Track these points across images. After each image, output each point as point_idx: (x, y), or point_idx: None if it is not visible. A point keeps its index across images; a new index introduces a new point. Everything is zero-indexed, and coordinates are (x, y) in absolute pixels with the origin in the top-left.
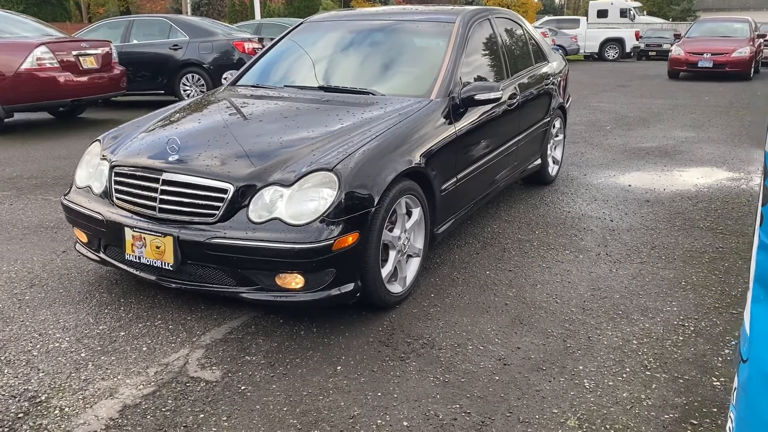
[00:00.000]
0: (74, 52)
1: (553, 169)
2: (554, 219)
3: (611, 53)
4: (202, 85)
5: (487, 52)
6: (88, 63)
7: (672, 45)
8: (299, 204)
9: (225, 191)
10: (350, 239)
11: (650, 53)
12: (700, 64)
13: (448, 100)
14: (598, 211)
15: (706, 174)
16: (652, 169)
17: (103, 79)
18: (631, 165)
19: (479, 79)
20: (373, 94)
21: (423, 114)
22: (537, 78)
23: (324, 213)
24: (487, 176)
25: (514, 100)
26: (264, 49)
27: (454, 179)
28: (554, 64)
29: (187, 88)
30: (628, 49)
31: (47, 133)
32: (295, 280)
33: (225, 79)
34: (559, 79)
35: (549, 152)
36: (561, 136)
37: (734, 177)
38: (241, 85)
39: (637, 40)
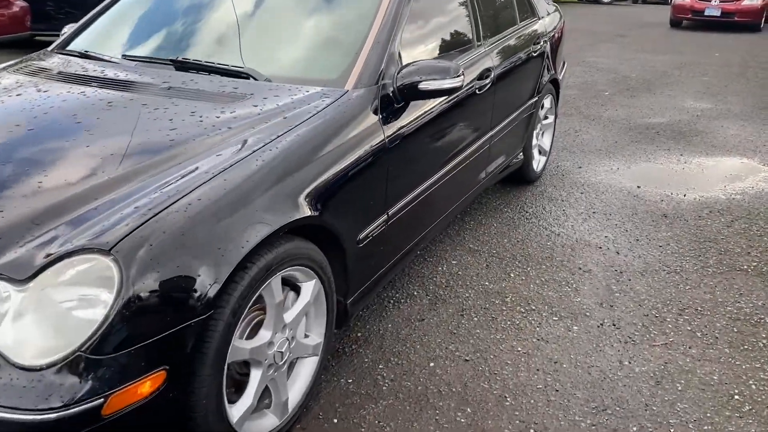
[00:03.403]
0: None
1: (539, 162)
2: (538, 249)
3: None
4: None
5: (446, 11)
6: None
7: None
8: (39, 322)
9: None
10: (147, 387)
11: None
12: (706, 12)
13: (375, 90)
14: (598, 233)
15: (736, 169)
16: (665, 160)
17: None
18: (638, 153)
19: (432, 54)
20: (250, 78)
21: (329, 116)
22: (522, 44)
23: (86, 343)
24: (442, 199)
25: (487, 81)
26: None
27: (383, 218)
28: (546, 20)
29: None
30: None
31: None
32: None
33: (63, 34)
34: (553, 41)
35: (535, 141)
36: (551, 118)
37: None
38: (67, 52)
39: None
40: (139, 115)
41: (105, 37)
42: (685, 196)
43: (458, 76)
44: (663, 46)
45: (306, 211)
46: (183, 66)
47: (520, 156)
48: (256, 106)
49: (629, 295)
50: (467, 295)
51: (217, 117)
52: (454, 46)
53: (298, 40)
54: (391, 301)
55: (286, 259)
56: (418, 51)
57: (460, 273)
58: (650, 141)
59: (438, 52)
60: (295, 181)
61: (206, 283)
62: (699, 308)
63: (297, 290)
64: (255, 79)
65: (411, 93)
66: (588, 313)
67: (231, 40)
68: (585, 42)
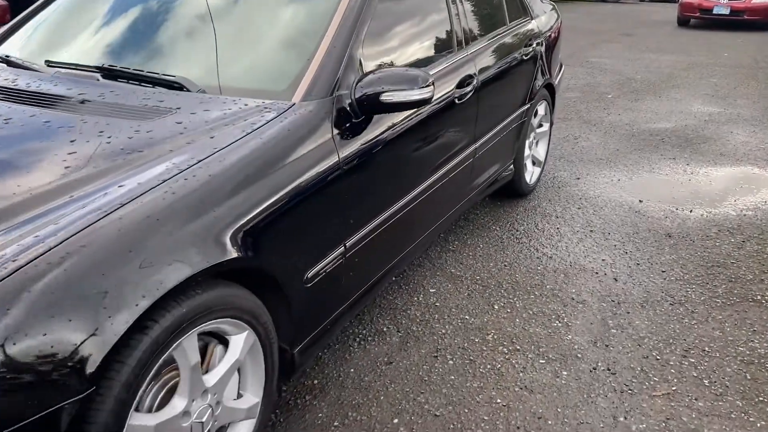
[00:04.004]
0: None
1: (531, 174)
2: (527, 274)
3: None
4: None
5: (421, 11)
6: None
7: None
8: None
9: None
10: None
11: None
12: (715, 11)
13: (329, 103)
14: (595, 255)
15: (747, 181)
16: (670, 169)
17: None
18: (641, 161)
19: (403, 61)
20: (181, 89)
21: (268, 135)
22: (511, 46)
23: None
24: (415, 224)
25: (469, 88)
26: None
27: (340, 250)
28: (542, 19)
29: None
30: None
31: None
32: None
33: None
34: (548, 42)
35: (527, 152)
36: (546, 126)
37: None
38: None
39: None
40: (35, 136)
41: (30, 40)
42: (691, 212)
43: (427, 86)
44: (669, 45)
45: (230, 253)
46: (111, 74)
47: (511, 168)
48: (179, 123)
49: (627, 332)
50: (444, 331)
51: (129, 138)
52: (430, 50)
53: (242, 45)
54: (357, 339)
55: (204, 313)
56: (386, 57)
57: (437, 304)
58: (654, 149)
59: (411, 58)
60: (215, 216)
61: (85, 353)
62: (706, 348)
63: (227, 342)
64: (188, 90)
65: (371, 106)
66: (580, 354)
67: (167, 46)
68: (588, 41)
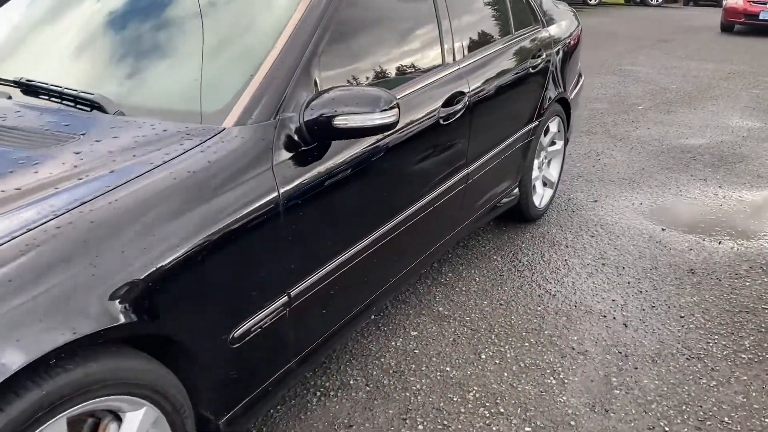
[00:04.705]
0: None
1: (541, 197)
2: (524, 316)
3: None
4: None
5: (401, 20)
6: None
7: None
8: None
9: None
10: None
11: None
12: (761, 16)
13: (271, 129)
14: (605, 294)
15: None
16: (699, 193)
17: None
18: (668, 183)
19: (377, 78)
20: (100, 109)
21: (183, 168)
22: (516, 58)
23: None
24: (388, 263)
25: (459, 106)
26: None
27: (282, 300)
28: (557, 28)
29: None
30: None
31: None
32: None
33: None
34: (562, 53)
35: (535, 173)
36: (559, 144)
37: None
38: None
39: None
40: None
41: None
42: (720, 243)
43: (390, 108)
44: (710, 53)
45: (114, 319)
46: (29, 89)
47: (515, 192)
48: (77, 153)
49: (633, 394)
50: (419, 386)
51: (10, 171)
52: (411, 65)
53: (177, 59)
54: (318, 393)
55: (76, 394)
56: (351, 74)
57: (417, 351)
58: (684, 168)
59: (385, 74)
60: (93, 275)
61: None
62: (726, 419)
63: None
64: (105, 110)
65: (323, 131)
66: (573, 422)
67: (95, 59)
68: (625, 48)
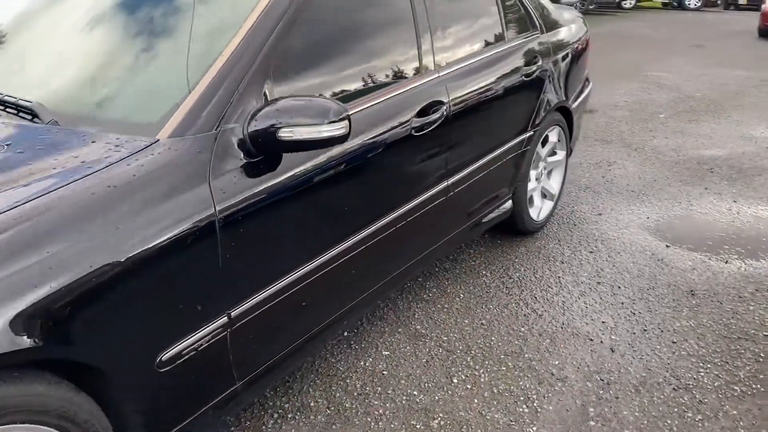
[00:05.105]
0: None
1: (539, 210)
2: (505, 338)
3: (693, 1)
4: None
5: (370, 24)
6: None
7: None
8: None
9: None
10: None
11: (740, 2)
12: None
13: (210, 140)
14: (595, 315)
15: None
16: (712, 207)
17: None
18: (679, 196)
19: (342, 88)
20: (34, 116)
21: (101, 184)
22: (505, 67)
23: None
24: (343, 284)
25: (436, 115)
26: None
27: (221, 321)
28: (554, 36)
29: None
30: None
31: None
32: None
33: None
34: (565, 60)
35: (532, 185)
36: (561, 154)
37: None
38: None
39: None
40: None
41: None
42: (726, 263)
43: (341, 120)
44: (744, 59)
45: (15, 342)
46: None
47: (507, 206)
48: None
49: (610, 426)
50: (382, 411)
51: None
52: (381, 73)
53: (122, 65)
54: (275, 415)
55: None
56: (311, 82)
57: (385, 373)
58: (699, 180)
59: (353, 84)
60: None
61: None
62: None
63: None
64: (39, 119)
65: (268, 144)
66: None
67: (36, 65)
68: (654, 54)
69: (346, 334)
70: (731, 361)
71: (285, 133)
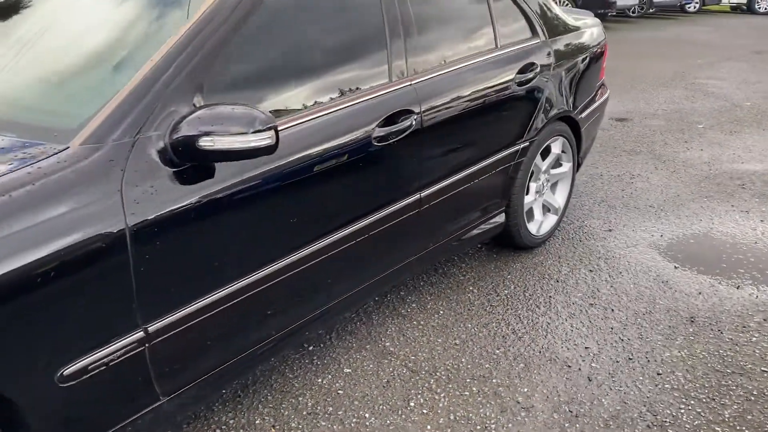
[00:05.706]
0: None
1: (540, 224)
2: (476, 360)
3: (764, 5)
4: None
5: (332, 29)
6: None
7: None
8: None
9: None
10: None
11: None
12: None
13: (126, 149)
14: (579, 340)
15: None
16: (734, 226)
17: None
18: (701, 213)
19: (285, 94)
20: None
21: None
22: (492, 74)
23: None
24: (284, 302)
25: (405, 124)
26: None
27: (134, 337)
28: (560, 43)
29: None
30: None
31: None
32: None
33: None
34: (573, 68)
35: (530, 198)
36: (567, 166)
37: None
38: None
39: None
40: None
41: None
42: (738, 288)
43: (267, 130)
44: None
45: None
46: None
47: (499, 220)
48: None
49: None
50: None
51: None
52: (341, 80)
53: (44, 71)
54: (218, 431)
55: None
56: (254, 88)
57: (341, 392)
58: (727, 197)
59: (305, 94)
60: None
61: None
62: None
63: None
64: None
65: (188, 153)
66: None
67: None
68: (709, 59)
69: (311, 348)
70: (718, 398)
71: (205, 142)
